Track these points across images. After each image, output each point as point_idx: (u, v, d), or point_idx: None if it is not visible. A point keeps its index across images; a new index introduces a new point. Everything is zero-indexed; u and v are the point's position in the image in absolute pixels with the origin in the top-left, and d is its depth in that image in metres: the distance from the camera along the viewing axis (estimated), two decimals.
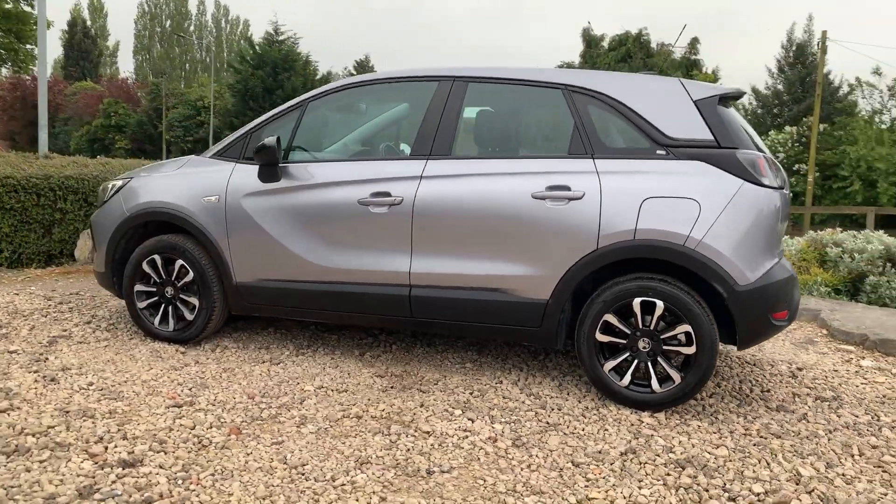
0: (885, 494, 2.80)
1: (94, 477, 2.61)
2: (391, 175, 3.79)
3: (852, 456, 3.15)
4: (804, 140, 28.01)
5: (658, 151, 3.46)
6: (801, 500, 2.71)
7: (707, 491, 2.76)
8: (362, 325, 4.35)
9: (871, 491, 2.82)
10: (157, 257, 4.23)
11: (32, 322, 4.66)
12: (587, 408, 3.51)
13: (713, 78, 31.04)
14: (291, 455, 2.89)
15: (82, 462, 2.73)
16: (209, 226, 4.08)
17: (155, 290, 4.30)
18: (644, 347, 3.45)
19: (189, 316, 4.21)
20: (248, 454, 2.89)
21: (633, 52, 33.59)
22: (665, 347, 3.42)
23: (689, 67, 34.51)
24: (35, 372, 3.68)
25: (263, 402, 3.45)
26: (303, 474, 2.74)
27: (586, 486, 2.76)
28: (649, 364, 3.46)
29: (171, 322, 4.27)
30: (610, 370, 3.52)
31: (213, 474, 2.70)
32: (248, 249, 4.03)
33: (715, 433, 3.30)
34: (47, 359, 3.91)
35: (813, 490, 2.79)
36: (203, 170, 4.23)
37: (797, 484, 2.85)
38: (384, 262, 3.79)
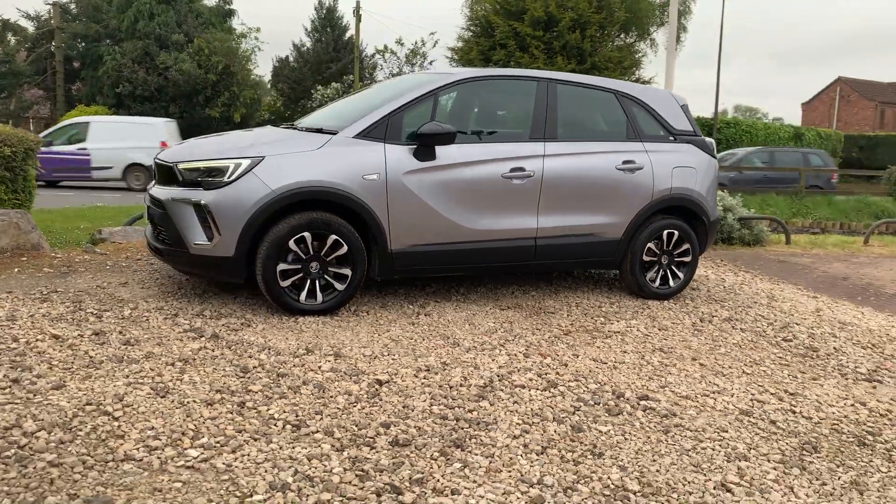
0: (822, 322, 5.59)
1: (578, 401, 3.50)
2: (524, 154, 4.90)
3: (782, 312, 5.90)
4: (347, 95, 32.30)
5: (670, 138, 5.53)
6: (812, 322, 5.27)
7: (762, 329, 5.08)
8: (496, 273, 5.45)
9: (819, 323, 5.58)
10: (307, 234, 4.35)
11: (121, 326, 4.09)
12: (642, 305, 5.45)
13: (257, 29, 32.62)
14: (615, 357, 4.14)
15: (537, 399, 3.52)
16: (369, 201, 4.45)
17: (300, 266, 4.39)
18: (664, 261, 5.56)
19: (340, 287, 4.50)
20: (611, 366, 4.02)
21: None
22: (676, 259, 5.60)
23: (225, 16, 35.20)
24: (305, 354, 3.75)
25: (499, 337, 4.38)
26: (657, 363, 4.08)
27: (721, 336, 4.79)
28: (667, 270, 5.58)
29: (320, 295, 4.47)
30: (649, 279, 5.52)
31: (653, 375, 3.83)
32: (406, 220, 4.58)
33: (705, 305, 5.65)
34: (268, 347, 3.87)
35: (798, 323, 5.40)
36: (354, 150, 4.47)
37: (785, 326, 5.39)
38: (519, 222, 4.94)
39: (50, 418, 2.82)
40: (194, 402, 3.09)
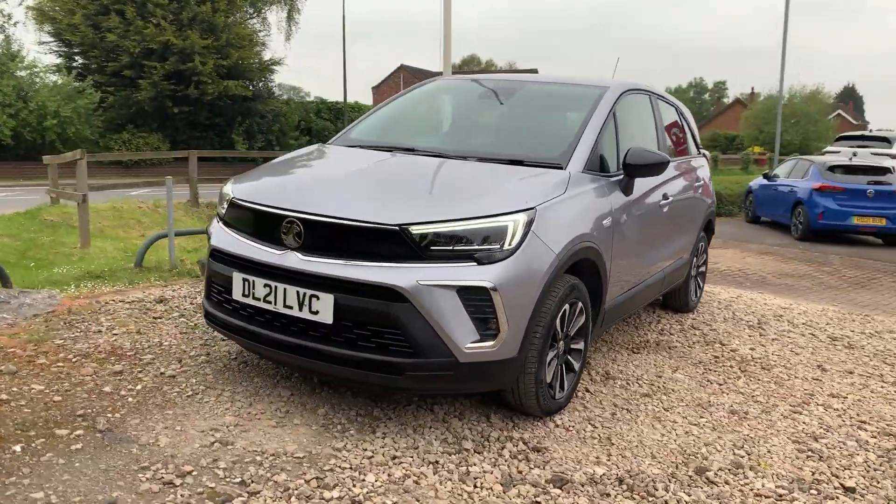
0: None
1: None
2: (665, 177, 4.39)
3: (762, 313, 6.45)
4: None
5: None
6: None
7: (809, 333, 5.54)
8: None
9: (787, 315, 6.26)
10: (567, 307, 3.22)
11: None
12: (709, 322, 5.46)
13: None
14: (852, 392, 4.09)
15: None
16: (604, 252, 3.49)
17: (554, 352, 3.24)
18: (694, 273, 5.66)
19: (577, 365, 3.47)
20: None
21: None
22: (699, 270, 5.74)
23: None
24: (698, 478, 2.84)
25: (728, 391, 3.96)
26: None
27: (809, 346, 5.14)
28: (697, 282, 5.69)
29: (566, 383, 3.38)
30: (692, 291, 5.56)
31: None
32: (620, 268, 3.74)
33: (717, 313, 5.93)
34: (625, 480, 2.82)
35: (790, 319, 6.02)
36: (592, 188, 3.41)
37: (808, 324, 5.96)
38: (663, 254, 4.48)
39: None
40: None
